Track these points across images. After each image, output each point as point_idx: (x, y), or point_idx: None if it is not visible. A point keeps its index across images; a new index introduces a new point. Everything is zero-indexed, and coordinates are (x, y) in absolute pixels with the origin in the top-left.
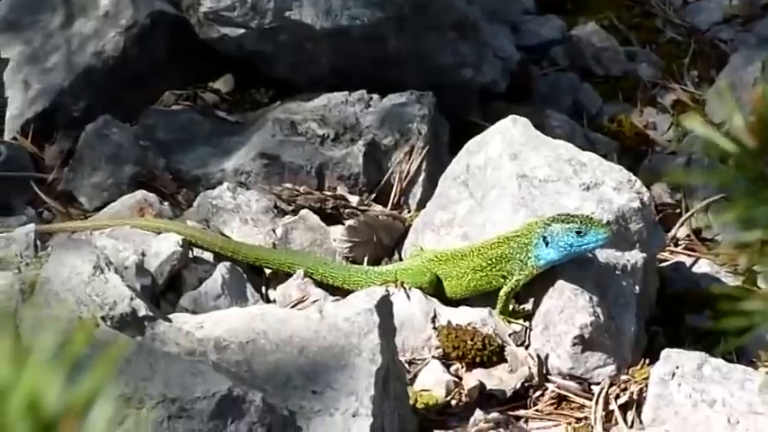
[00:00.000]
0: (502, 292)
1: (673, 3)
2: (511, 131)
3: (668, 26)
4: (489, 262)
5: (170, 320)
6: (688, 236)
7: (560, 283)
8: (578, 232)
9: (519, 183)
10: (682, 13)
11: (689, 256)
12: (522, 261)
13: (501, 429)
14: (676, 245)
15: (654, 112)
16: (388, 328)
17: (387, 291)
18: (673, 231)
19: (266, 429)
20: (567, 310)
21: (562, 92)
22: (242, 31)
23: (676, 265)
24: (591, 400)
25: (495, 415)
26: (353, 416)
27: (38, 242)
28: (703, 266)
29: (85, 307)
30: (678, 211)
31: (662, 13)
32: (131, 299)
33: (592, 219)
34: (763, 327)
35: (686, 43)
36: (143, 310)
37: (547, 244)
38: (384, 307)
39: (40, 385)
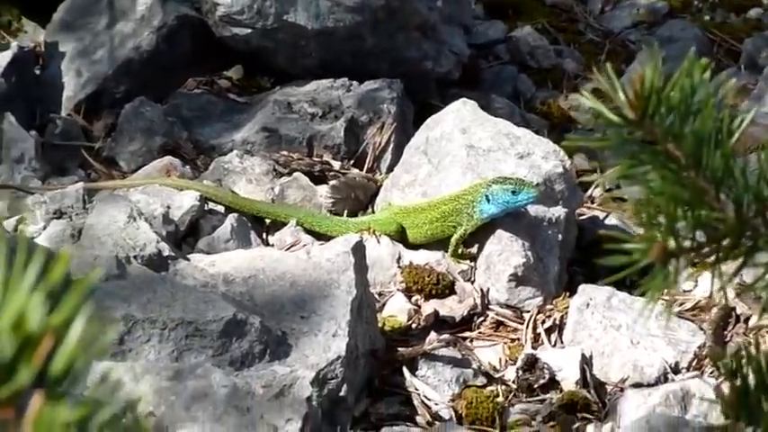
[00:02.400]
0: (453, 239)
1: (592, 11)
2: (462, 111)
3: (588, 30)
4: (443, 215)
5: (188, 259)
6: (601, 195)
7: (499, 232)
8: (513, 191)
9: (467, 152)
10: (599, 19)
11: (601, 211)
12: (468, 214)
13: (451, 347)
14: (592, 202)
15: (576, 98)
16: (361, 267)
17: (361, 237)
18: (589, 191)
19: (263, 346)
20: (504, 253)
21: (504, 80)
22: (249, 30)
23: (592, 219)
24: (522, 324)
25: (445, 336)
26: (333, 336)
27: (86, 197)
28: (613, 219)
29: (120, 248)
30: (594, 177)
31: (583, 19)
32: (157, 242)
33: (524, 181)
34: (641, 263)
35: (602, 43)
36: (167, 250)
37: (488, 201)
38: (358, 250)
39: (25, 307)
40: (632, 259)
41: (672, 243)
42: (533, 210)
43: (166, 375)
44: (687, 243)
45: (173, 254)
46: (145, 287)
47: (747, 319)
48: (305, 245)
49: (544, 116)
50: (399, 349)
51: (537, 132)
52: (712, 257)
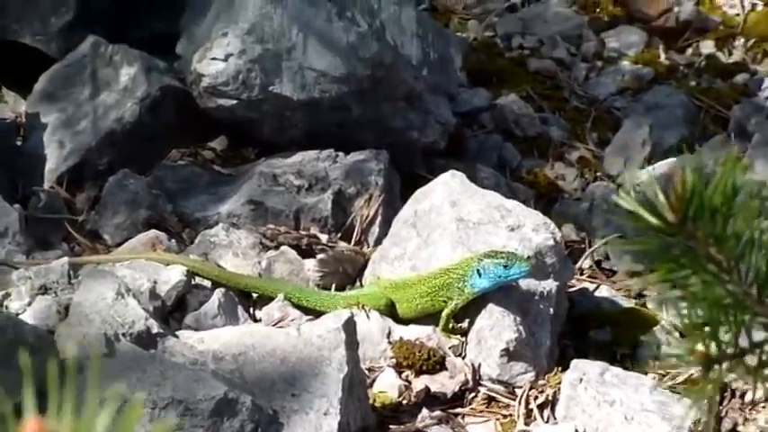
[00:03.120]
0: (443, 314)
1: (577, 78)
2: (450, 183)
3: (573, 97)
4: (433, 289)
5: (177, 336)
6: (591, 266)
7: (490, 306)
8: (505, 266)
9: (457, 225)
10: (584, 86)
11: (591, 282)
12: (459, 288)
13: (443, 424)
14: (581, 274)
15: (563, 166)
16: (352, 343)
17: (351, 313)
18: (579, 263)
19: (255, 425)
20: (495, 328)
21: (489, 149)
22: (234, 102)
23: (582, 291)
24: (515, 400)
25: (438, 413)
26: (325, 414)
27: (71, 272)
28: (604, 291)
29: (109, 326)
30: (583, 246)
31: (568, 86)
32: (146, 319)
33: (516, 255)
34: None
35: (588, 110)
36: (155, 327)
37: (480, 275)
38: (349, 326)
39: None
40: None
41: (714, 349)
42: (525, 283)
43: None
44: (730, 350)
45: (161, 331)
46: (134, 365)
47: (743, 395)
48: (293, 319)
49: (530, 185)
50: (391, 427)
51: (524, 202)
52: (755, 363)
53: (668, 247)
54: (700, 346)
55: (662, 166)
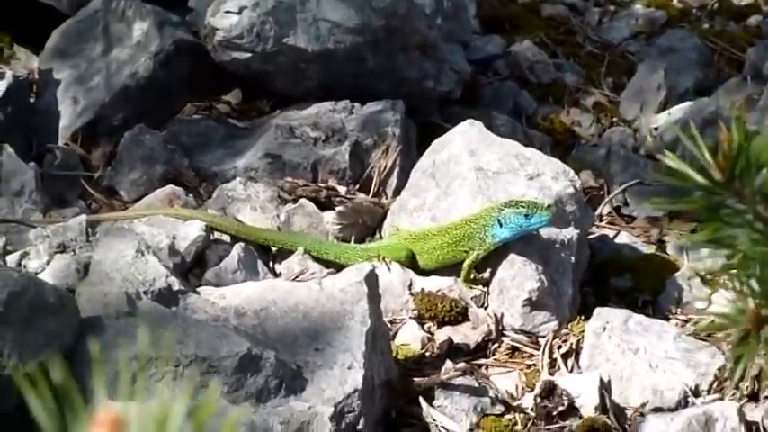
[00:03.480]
0: (465, 264)
1: (590, 22)
2: (469, 132)
3: (587, 42)
4: (454, 239)
5: (198, 293)
6: (610, 213)
7: (512, 256)
8: (526, 215)
9: (476, 175)
10: (598, 31)
11: (611, 229)
12: (480, 239)
13: (467, 376)
14: (601, 220)
15: (578, 112)
16: (374, 296)
17: (373, 266)
18: (598, 210)
19: (279, 381)
20: (517, 278)
21: (504, 97)
22: (249, 54)
23: (602, 237)
24: (538, 350)
25: (461, 364)
26: (349, 368)
27: (89, 230)
28: (623, 238)
29: (130, 284)
30: (601, 193)
31: (581, 31)
32: (167, 276)
33: (536, 203)
34: (669, 288)
35: (602, 55)
36: (176, 284)
37: (501, 225)
38: (371, 279)
39: None
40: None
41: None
42: (546, 232)
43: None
44: None
45: (182, 288)
46: (156, 323)
47: None
48: (313, 273)
49: (547, 132)
50: (415, 379)
51: (540, 149)
52: None
53: (715, 205)
54: (750, 305)
55: (678, 110)
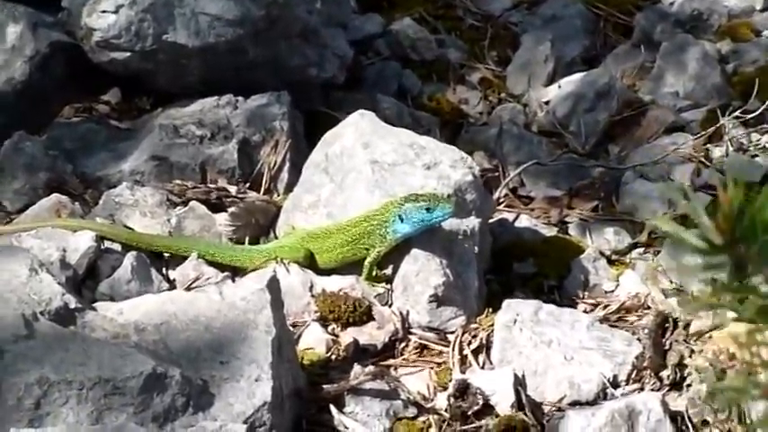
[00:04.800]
0: (366, 262)
1: None
2: (360, 123)
3: (468, 15)
4: (354, 237)
5: (95, 309)
6: (506, 194)
7: (414, 251)
8: (428, 209)
9: (372, 168)
10: (477, 3)
11: (509, 212)
12: (381, 235)
13: (377, 380)
14: (498, 204)
15: (465, 90)
16: (277, 303)
17: (274, 271)
18: (496, 194)
19: (186, 398)
20: (421, 273)
21: (388, 78)
22: (128, 54)
23: (501, 222)
24: (447, 347)
25: (370, 368)
26: (256, 380)
27: None
28: (523, 221)
29: (26, 305)
30: (497, 174)
31: (461, 3)
32: (62, 294)
33: (437, 196)
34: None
35: (484, 28)
36: (73, 302)
37: (402, 220)
38: (273, 285)
39: None
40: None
41: None
42: (447, 224)
43: None
44: None
45: (79, 305)
46: (56, 345)
47: (687, 326)
48: (209, 278)
49: (434, 112)
50: (324, 386)
51: (429, 132)
52: None
53: (715, 268)
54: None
55: (568, 83)
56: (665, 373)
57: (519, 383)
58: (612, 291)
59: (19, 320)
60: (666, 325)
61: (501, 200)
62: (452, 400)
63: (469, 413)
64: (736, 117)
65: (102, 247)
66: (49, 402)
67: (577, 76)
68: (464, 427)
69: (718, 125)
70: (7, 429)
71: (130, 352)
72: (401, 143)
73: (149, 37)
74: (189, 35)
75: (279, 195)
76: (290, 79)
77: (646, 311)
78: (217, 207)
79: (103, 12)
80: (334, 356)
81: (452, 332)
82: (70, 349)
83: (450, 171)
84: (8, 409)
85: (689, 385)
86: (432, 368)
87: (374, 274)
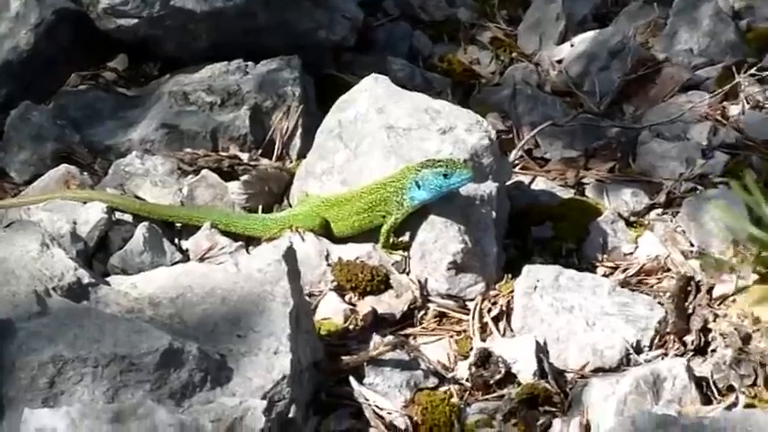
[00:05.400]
0: (383, 230)
1: None
2: (374, 88)
3: None
4: (370, 204)
5: (108, 284)
6: (521, 156)
7: (432, 217)
8: (445, 174)
9: (387, 133)
10: None
11: (525, 174)
12: (398, 202)
13: (397, 350)
14: (514, 167)
15: (476, 50)
16: (294, 274)
17: (290, 241)
18: (511, 156)
19: (203, 374)
20: (440, 240)
21: (398, 39)
22: (135, 20)
23: (517, 185)
24: (467, 315)
25: (389, 338)
26: (275, 353)
27: None
28: (539, 183)
29: (38, 281)
30: (510, 136)
31: None
32: (75, 269)
33: (455, 161)
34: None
35: None
36: (86, 277)
37: (419, 186)
38: (290, 255)
39: None
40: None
41: None
42: (464, 189)
43: (106, 418)
44: None
45: (92, 280)
46: (70, 322)
47: (710, 290)
48: (222, 248)
49: (445, 73)
50: (343, 357)
51: (441, 93)
52: None
53: None
54: None
55: (581, 41)
56: (688, 338)
57: (541, 351)
58: (631, 253)
59: (31, 297)
60: (689, 289)
61: (516, 162)
62: (474, 369)
63: (491, 382)
64: (752, 74)
65: (113, 218)
66: (63, 381)
67: (590, 35)
68: (486, 397)
69: (733, 83)
70: (21, 409)
71: (146, 327)
72: (416, 108)
73: (157, 3)
74: (197, 0)
75: (292, 162)
76: (300, 43)
77: (666, 274)
78: (229, 175)
79: None
80: (351, 326)
81: (472, 299)
82: (84, 326)
83: (465, 135)
84: (22, 388)
85: (713, 350)
86: (452, 336)
87: (391, 241)
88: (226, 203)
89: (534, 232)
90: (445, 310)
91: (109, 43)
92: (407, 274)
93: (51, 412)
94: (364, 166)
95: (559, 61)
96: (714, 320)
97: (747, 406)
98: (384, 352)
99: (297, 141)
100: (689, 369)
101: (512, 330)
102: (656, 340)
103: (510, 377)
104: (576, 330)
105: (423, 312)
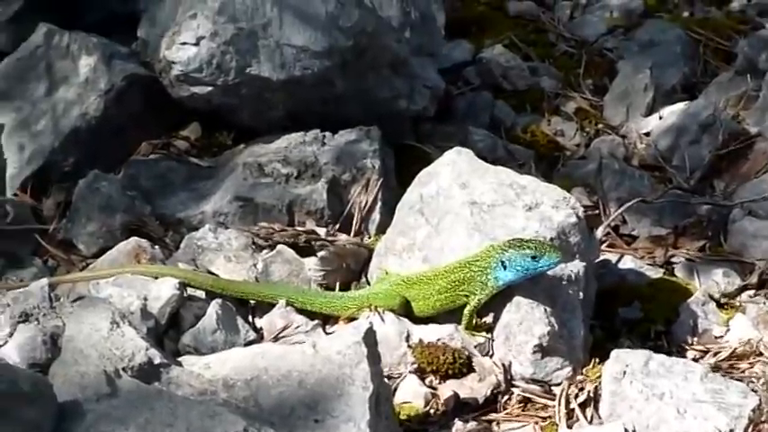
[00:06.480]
0: (466, 311)
1: (561, 18)
2: (457, 162)
3: (560, 40)
4: (453, 284)
5: (181, 364)
6: (608, 233)
7: (516, 298)
8: (534, 257)
9: (470, 209)
10: (570, 28)
11: (612, 252)
12: (482, 282)
13: None
14: (600, 243)
15: (560, 120)
16: (375, 357)
17: (371, 323)
18: (598, 234)
19: None
20: (525, 322)
21: (479, 109)
22: (210, 88)
23: (603, 263)
24: (553, 400)
25: (473, 424)
26: None
27: (51, 295)
28: (627, 262)
29: (108, 360)
30: (597, 212)
31: (553, 28)
32: (146, 349)
33: (544, 243)
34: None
35: (578, 54)
36: (158, 358)
37: (505, 267)
38: (370, 338)
39: None
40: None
41: None
42: None
43: None
44: None
45: (165, 360)
46: (141, 404)
47: None
48: (298, 327)
49: (528, 145)
50: None
51: (522, 165)
52: None
53: None
54: None
55: (670, 113)
56: None
57: None
58: (722, 336)
59: (101, 377)
60: None
61: (603, 239)
62: None
63: None
64: None
65: (185, 294)
66: None
67: (679, 106)
68: None
69: None
70: None
71: (220, 411)
72: (500, 183)
73: (232, 70)
74: (273, 68)
75: (370, 238)
76: (379, 112)
77: (758, 358)
78: (305, 251)
79: (183, 44)
80: (432, 411)
81: (558, 384)
82: (156, 408)
83: (552, 212)
84: None
85: None
86: (537, 423)
87: (474, 322)
88: (302, 280)
89: (622, 313)
90: (530, 396)
91: (181, 111)
92: (491, 356)
93: None
94: (446, 243)
95: (647, 134)
96: None
97: None
98: None
99: (376, 216)
100: None
101: (599, 417)
102: (750, 429)
103: None
104: (668, 418)
105: (506, 397)
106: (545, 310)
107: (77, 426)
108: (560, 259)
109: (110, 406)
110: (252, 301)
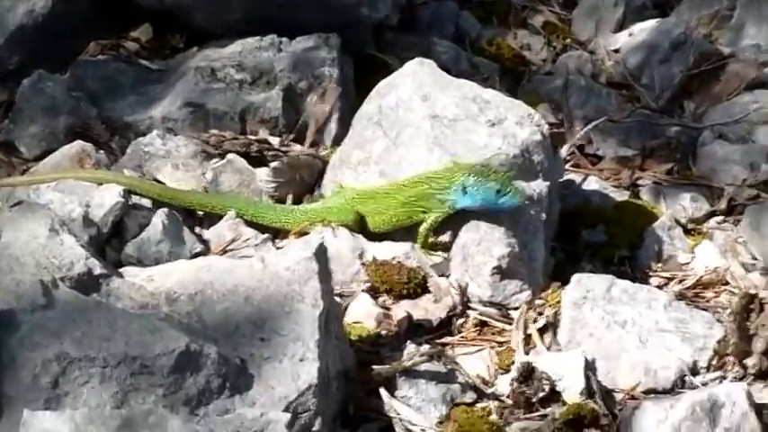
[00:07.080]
0: (421, 228)
1: None
2: (419, 73)
3: None
4: (410, 199)
5: (122, 275)
6: (572, 153)
7: (476, 218)
8: (497, 191)
9: (431, 123)
10: None
11: (576, 172)
12: (440, 201)
13: (433, 361)
14: (565, 163)
15: (527, 34)
16: (325, 274)
17: (322, 238)
18: (562, 152)
19: (222, 380)
20: (484, 243)
21: (444, 19)
22: None
23: (567, 184)
24: (510, 325)
25: (425, 347)
26: (301, 360)
27: None
28: (592, 183)
29: (45, 270)
30: (562, 130)
31: None
32: (86, 258)
33: (511, 180)
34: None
35: None
36: (98, 268)
37: (465, 193)
38: (321, 254)
39: None
40: None
41: None
42: None
43: (114, 426)
44: None
45: (104, 271)
46: (78, 317)
47: None
48: (247, 240)
49: (494, 58)
50: (374, 367)
51: (487, 79)
52: None
53: None
54: None
55: (641, 30)
56: (750, 361)
57: (589, 368)
58: (688, 263)
59: (37, 287)
60: (752, 307)
61: (567, 158)
62: (515, 384)
63: (534, 400)
64: None
65: (130, 202)
66: (68, 381)
67: (650, 24)
68: (528, 416)
69: None
70: (21, 409)
71: (161, 326)
72: (463, 96)
73: None
74: None
75: (326, 149)
76: (340, 19)
77: (724, 287)
78: (257, 161)
79: None
80: (384, 332)
81: (516, 308)
82: (93, 321)
83: (516, 129)
84: (23, 387)
85: None
86: (493, 348)
87: (430, 241)
88: (253, 191)
89: (585, 236)
90: (487, 319)
91: (132, 11)
92: (447, 277)
93: (54, 415)
94: (405, 157)
95: (616, 50)
96: None
97: None
98: (419, 362)
99: (332, 127)
100: (749, 395)
101: (558, 344)
102: (715, 362)
103: (554, 395)
104: (629, 348)
105: (462, 320)
106: (505, 230)
107: (10, 337)
108: (522, 201)
109: (45, 317)
110: (200, 212)
